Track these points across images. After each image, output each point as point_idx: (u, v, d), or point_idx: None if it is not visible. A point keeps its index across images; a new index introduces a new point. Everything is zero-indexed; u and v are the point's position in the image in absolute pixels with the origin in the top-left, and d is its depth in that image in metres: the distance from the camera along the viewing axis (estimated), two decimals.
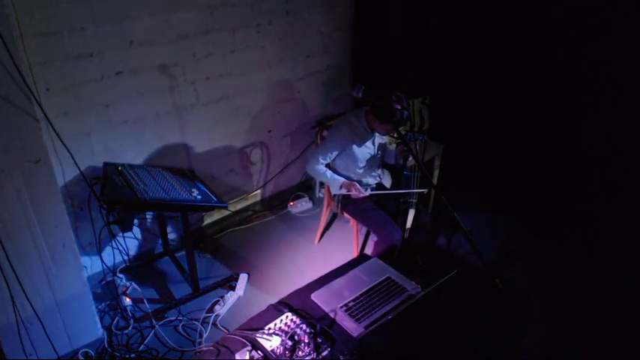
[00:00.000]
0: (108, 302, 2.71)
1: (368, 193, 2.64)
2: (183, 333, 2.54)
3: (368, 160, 2.77)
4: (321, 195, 3.81)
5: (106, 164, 2.60)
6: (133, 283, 2.77)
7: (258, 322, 1.78)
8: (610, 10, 2.77)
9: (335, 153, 2.72)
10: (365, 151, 2.74)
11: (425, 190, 2.57)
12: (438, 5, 3.14)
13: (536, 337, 2.57)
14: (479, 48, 3.43)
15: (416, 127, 3.36)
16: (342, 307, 1.85)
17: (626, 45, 2.78)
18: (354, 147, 2.70)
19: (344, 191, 2.68)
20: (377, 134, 2.72)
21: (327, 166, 2.80)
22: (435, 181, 3.47)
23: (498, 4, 3.26)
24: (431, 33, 3.16)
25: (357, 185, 2.65)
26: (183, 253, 2.95)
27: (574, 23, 2.93)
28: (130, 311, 2.61)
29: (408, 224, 2.53)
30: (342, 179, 2.71)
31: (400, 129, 2.40)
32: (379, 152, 2.82)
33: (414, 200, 2.57)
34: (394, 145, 2.87)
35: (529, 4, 3.11)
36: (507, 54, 3.30)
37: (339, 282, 2.01)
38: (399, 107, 2.38)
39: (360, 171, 2.80)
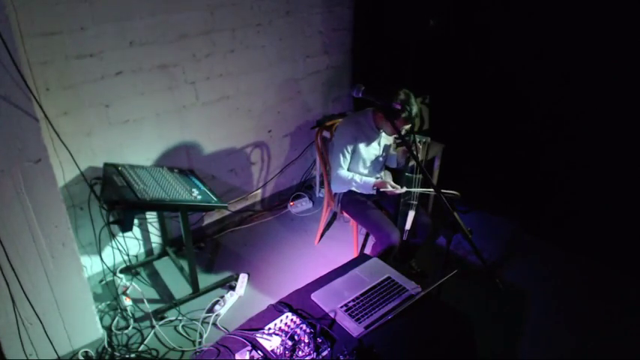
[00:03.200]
0: (108, 302, 2.72)
1: (403, 190, 2.54)
2: (183, 333, 2.54)
3: (373, 162, 2.76)
4: (321, 195, 3.80)
5: (106, 164, 2.60)
6: (132, 283, 2.78)
7: (258, 322, 1.77)
8: (610, 12, 2.77)
9: (350, 148, 2.66)
10: (371, 151, 2.73)
11: (432, 190, 2.51)
12: (438, 5, 3.14)
13: (536, 337, 2.57)
14: (479, 48, 3.43)
15: (416, 128, 3.35)
16: (342, 307, 1.85)
17: (626, 46, 2.78)
18: (361, 147, 2.68)
19: (374, 191, 2.66)
20: (383, 135, 2.72)
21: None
22: (435, 181, 3.46)
23: (498, 3, 3.26)
24: (431, 33, 3.17)
25: (390, 182, 2.59)
26: (184, 253, 2.96)
27: (574, 23, 2.93)
28: (130, 311, 2.61)
29: (408, 226, 2.52)
30: (373, 179, 2.68)
31: (402, 129, 2.39)
32: (384, 154, 2.81)
33: (414, 202, 2.55)
34: (399, 149, 2.86)
35: (529, 4, 3.11)
36: (507, 53, 3.30)
37: (339, 282, 2.01)
38: (398, 107, 2.38)
39: (365, 172, 2.79)
